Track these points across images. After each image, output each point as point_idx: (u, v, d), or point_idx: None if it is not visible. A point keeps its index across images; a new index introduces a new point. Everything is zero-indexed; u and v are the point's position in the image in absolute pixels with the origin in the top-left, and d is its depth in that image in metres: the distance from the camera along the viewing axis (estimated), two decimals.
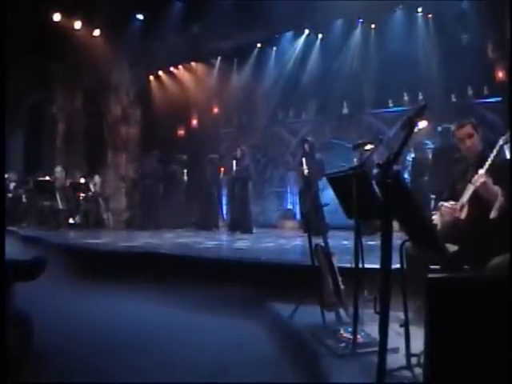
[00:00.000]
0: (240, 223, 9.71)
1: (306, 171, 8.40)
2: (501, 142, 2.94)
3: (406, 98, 10.69)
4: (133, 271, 5.31)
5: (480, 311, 1.59)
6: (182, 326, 3.94)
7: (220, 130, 13.14)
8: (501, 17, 8.05)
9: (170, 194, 11.52)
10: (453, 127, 3.24)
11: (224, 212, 11.96)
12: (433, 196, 6.95)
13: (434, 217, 3.13)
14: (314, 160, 8.78)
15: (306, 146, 8.92)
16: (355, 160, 8.66)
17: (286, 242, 7.67)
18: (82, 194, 11.26)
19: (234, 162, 9.83)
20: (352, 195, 2.73)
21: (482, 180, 2.78)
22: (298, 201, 10.10)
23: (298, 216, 11.80)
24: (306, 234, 7.87)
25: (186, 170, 12.10)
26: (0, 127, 4.12)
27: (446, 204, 3.05)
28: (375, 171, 2.23)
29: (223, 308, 4.17)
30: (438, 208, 3.14)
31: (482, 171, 2.82)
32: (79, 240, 7.94)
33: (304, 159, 8.54)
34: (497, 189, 2.75)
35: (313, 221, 7.96)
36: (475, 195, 2.86)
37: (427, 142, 10.44)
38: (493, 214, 2.70)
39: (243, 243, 7.29)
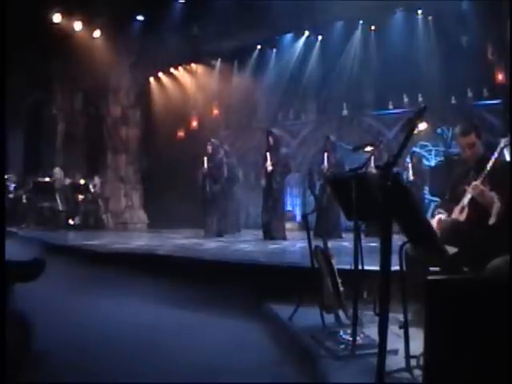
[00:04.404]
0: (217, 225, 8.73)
1: (269, 168, 7.65)
2: (501, 144, 2.94)
3: (405, 99, 10.71)
4: (132, 272, 5.30)
5: (479, 313, 1.59)
6: (181, 327, 3.93)
7: (220, 132, 13.13)
8: (501, 19, 8.06)
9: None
10: (457, 131, 3.21)
11: None
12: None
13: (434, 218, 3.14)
14: (279, 155, 7.78)
15: (271, 139, 7.80)
16: (325, 155, 8.16)
17: (290, 243, 7.44)
18: (81, 195, 11.27)
19: (206, 158, 8.65)
20: (351, 197, 2.73)
21: (477, 189, 2.82)
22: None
23: (298, 218, 11.78)
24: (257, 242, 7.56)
25: None
26: (0, 127, 4.12)
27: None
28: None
29: (222, 310, 4.16)
30: (438, 211, 3.15)
31: (477, 182, 2.84)
32: (79, 241, 7.93)
33: (268, 154, 7.71)
34: (493, 195, 2.77)
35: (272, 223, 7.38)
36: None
37: (426, 143, 10.48)
38: (491, 221, 2.71)
39: (245, 245, 7.27)
